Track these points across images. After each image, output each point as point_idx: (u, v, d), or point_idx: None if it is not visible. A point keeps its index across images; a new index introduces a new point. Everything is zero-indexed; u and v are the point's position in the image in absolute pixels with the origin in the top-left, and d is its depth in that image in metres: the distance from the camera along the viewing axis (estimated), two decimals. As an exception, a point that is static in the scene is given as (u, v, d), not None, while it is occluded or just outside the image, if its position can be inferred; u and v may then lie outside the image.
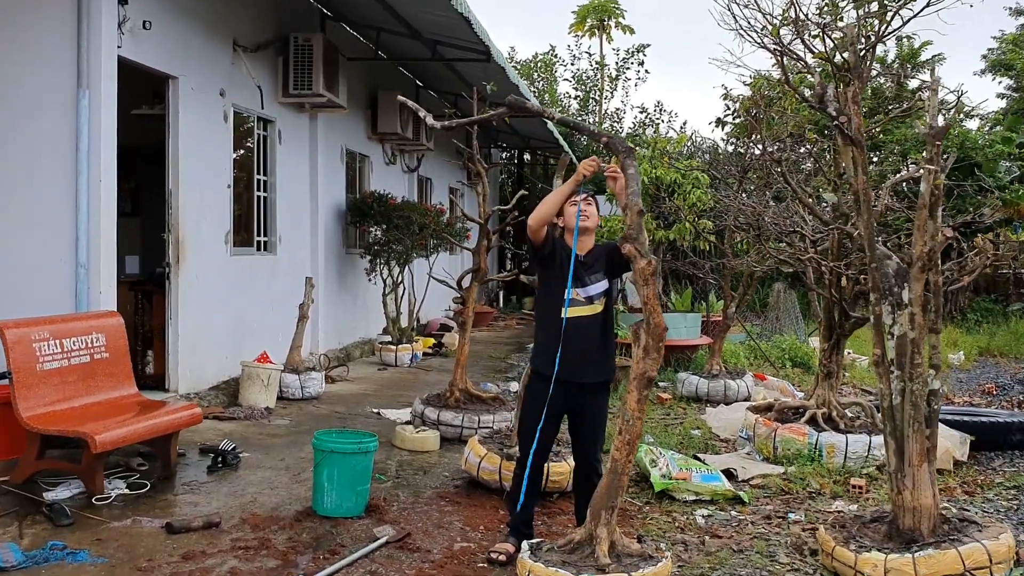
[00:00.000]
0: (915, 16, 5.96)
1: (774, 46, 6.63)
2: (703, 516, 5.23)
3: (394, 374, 10.52)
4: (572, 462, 5.52)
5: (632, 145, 3.96)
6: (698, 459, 6.44)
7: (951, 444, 6.50)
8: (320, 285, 10.13)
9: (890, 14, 6.00)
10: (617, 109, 27.37)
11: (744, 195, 8.55)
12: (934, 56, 19.43)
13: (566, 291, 4.32)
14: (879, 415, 6.93)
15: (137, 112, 8.43)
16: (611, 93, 26.00)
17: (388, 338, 11.57)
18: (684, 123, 35.46)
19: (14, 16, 6.30)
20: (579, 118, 22.82)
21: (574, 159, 21.35)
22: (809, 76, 6.28)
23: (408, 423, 7.14)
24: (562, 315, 4.33)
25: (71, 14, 6.24)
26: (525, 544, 3.95)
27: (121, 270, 8.50)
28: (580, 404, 4.45)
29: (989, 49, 23.62)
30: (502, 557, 4.37)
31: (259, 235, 9.27)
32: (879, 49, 6.16)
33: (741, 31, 6.62)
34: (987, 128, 20.73)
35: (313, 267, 10.37)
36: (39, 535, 4.49)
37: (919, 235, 4.08)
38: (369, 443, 5.06)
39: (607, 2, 25.61)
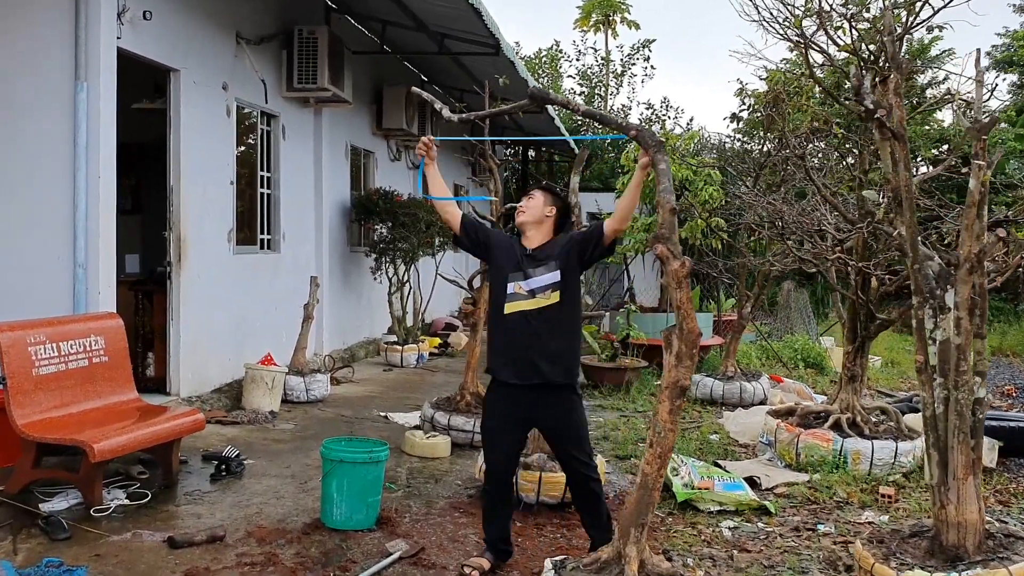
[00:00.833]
0: (945, 6, 5.76)
1: (796, 38, 6.43)
2: (729, 528, 5.00)
3: (400, 375, 10.29)
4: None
5: (663, 139, 3.72)
6: (719, 466, 6.22)
7: (981, 451, 6.27)
8: (324, 284, 9.90)
9: (919, 4, 5.79)
10: (623, 105, 27.13)
11: (760, 192, 8.30)
12: (943, 51, 19.17)
13: (506, 286, 4.12)
14: (905, 421, 6.75)
15: (138, 106, 8.19)
16: (617, 89, 25.73)
17: (394, 338, 11.34)
18: (691, 119, 35.21)
19: (9, 6, 6.07)
20: (582, 126, 22.55)
21: (575, 147, 21.14)
22: (845, 67, 6.04)
23: (417, 428, 6.92)
24: (503, 311, 4.12)
25: (69, 3, 6.01)
26: (548, 562, 3.71)
27: (121, 269, 8.27)
28: (540, 411, 4.14)
29: (993, 46, 23.41)
30: (475, 573, 4.14)
31: (262, 233, 9.04)
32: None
33: (764, 22, 6.42)
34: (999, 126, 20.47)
35: (317, 265, 10.14)
36: (34, 550, 4.26)
37: (967, 235, 3.84)
38: (380, 452, 4.83)
39: (612, -3, 25.38)
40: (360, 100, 11.10)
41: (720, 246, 11.02)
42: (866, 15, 6.22)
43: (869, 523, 5.15)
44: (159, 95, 7.72)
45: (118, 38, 6.28)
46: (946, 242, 6.26)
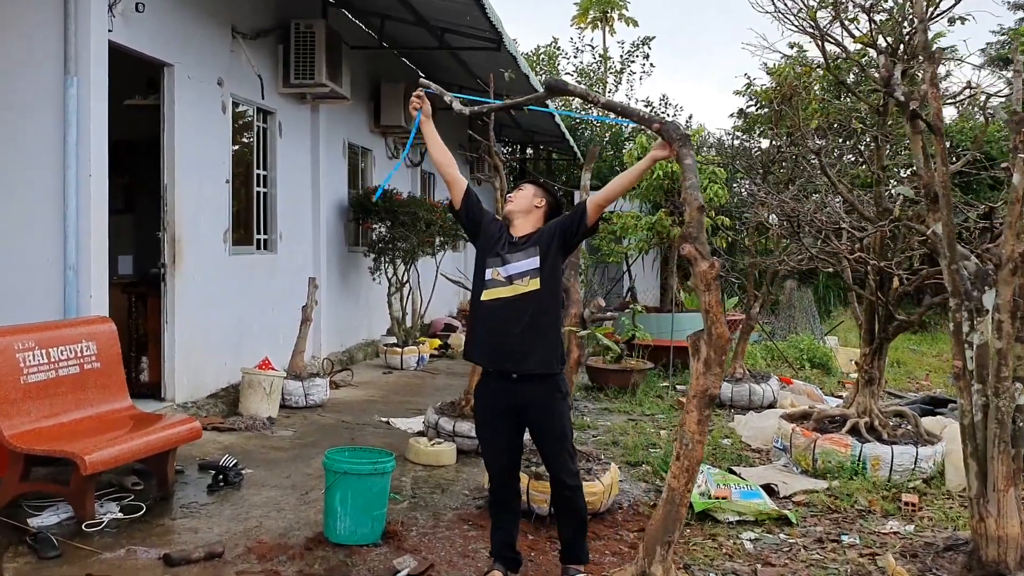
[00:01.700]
0: (965, -4, 5.56)
1: (811, 29, 6.22)
2: (750, 540, 4.79)
3: (400, 378, 10.06)
4: (603, 480, 5.13)
5: (687, 133, 3.50)
6: (734, 473, 6.01)
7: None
8: (322, 285, 9.66)
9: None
10: (622, 103, 26.86)
11: (772, 190, 8.09)
12: (945, 48, 18.98)
13: (485, 271, 3.95)
14: (925, 425, 6.54)
15: (130, 102, 7.93)
16: (615, 86, 25.51)
17: (393, 340, 11.11)
18: (690, 116, 34.98)
19: (-5, -3, 5.83)
20: (582, 112, 22.31)
21: (578, 152, 20.94)
22: (860, 59, 5.83)
23: (420, 434, 6.69)
24: (481, 297, 3.95)
25: (57, -6, 5.77)
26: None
27: (114, 271, 8.03)
28: (520, 402, 3.94)
29: (988, 43, 23.37)
30: None
31: (259, 233, 8.80)
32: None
33: (779, 14, 6.22)
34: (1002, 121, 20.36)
35: (315, 266, 9.91)
36: (22, 570, 4.03)
37: (1009, 233, 3.64)
38: (386, 463, 4.61)
39: (610, -7, 25.16)
40: (358, 96, 10.86)
41: (725, 245, 10.83)
42: (884, 5, 6.02)
43: (895, 533, 4.94)
44: (153, 91, 7.47)
45: (109, 31, 6.03)
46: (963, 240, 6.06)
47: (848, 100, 10.61)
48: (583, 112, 22.03)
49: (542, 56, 26.43)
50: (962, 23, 5.56)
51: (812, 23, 6.22)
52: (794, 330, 13.80)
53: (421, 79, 4.14)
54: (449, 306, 15.68)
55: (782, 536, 4.89)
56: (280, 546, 4.45)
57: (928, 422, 6.85)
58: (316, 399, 8.04)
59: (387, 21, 10.30)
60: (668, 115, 25.16)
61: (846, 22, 6.23)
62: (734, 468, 6.19)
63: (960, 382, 3.87)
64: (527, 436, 4.16)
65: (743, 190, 13.10)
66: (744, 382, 8.79)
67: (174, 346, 7.04)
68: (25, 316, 5.44)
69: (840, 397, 9.38)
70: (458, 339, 12.38)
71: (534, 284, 3.89)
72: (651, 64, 38.32)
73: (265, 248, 8.92)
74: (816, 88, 8.49)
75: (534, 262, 3.92)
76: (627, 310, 10.55)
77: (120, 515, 4.77)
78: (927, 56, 4.11)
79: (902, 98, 4.05)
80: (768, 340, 12.14)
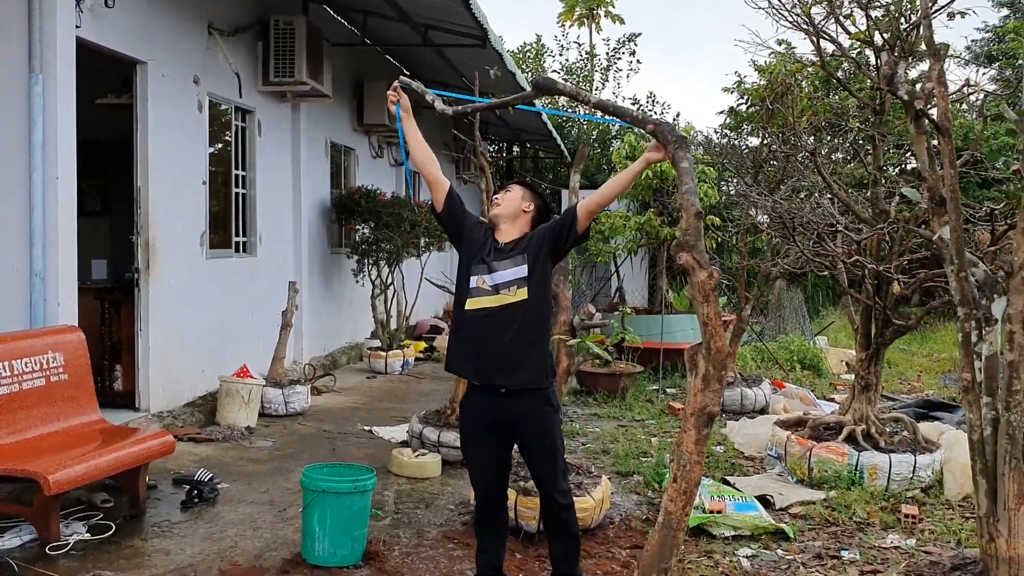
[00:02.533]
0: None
1: (806, 26, 6.05)
2: (747, 557, 4.60)
3: (385, 383, 9.83)
4: (594, 495, 4.93)
5: (684, 135, 3.30)
6: (728, 483, 5.83)
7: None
8: (304, 288, 9.43)
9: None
10: (614, 102, 26.68)
11: (763, 190, 7.91)
12: (940, 45, 18.89)
13: (470, 279, 3.75)
14: (922, 432, 6.38)
15: (102, 101, 7.66)
16: (602, 84, 25.30)
17: (377, 343, 10.88)
18: (678, 114, 34.82)
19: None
20: (567, 110, 22.08)
21: (565, 151, 20.74)
22: (857, 56, 5.66)
23: (405, 444, 6.48)
24: (464, 307, 3.74)
25: (21, -11, 5.51)
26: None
27: (87, 276, 7.79)
28: (508, 417, 3.72)
29: (973, 40, 23.34)
30: None
31: (237, 235, 8.55)
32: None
33: (773, 9, 6.04)
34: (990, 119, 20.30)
35: (296, 268, 9.66)
36: (-22, 599, 3.81)
37: (1022, 239, 3.46)
38: (366, 480, 4.38)
39: (596, -10, 24.95)
40: (340, 95, 10.62)
41: (715, 245, 10.65)
42: (880, 1, 5.83)
43: (896, 548, 4.77)
44: (126, 90, 7.21)
45: (77, 27, 5.78)
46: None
47: (838, 97, 10.46)
48: (572, 111, 21.82)
49: (528, 53, 26.20)
50: (962, 17, 5.38)
51: (807, 19, 6.06)
52: (784, 330, 13.64)
53: (401, 76, 3.92)
54: (435, 307, 15.45)
55: (780, 552, 4.70)
56: (255, 568, 4.23)
57: (925, 428, 6.69)
58: (297, 407, 7.80)
59: (370, 17, 10.05)
60: (655, 113, 25.00)
61: (841, 18, 6.08)
62: (728, 478, 6.01)
63: (969, 395, 3.68)
64: (515, 450, 3.97)
65: (731, 188, 12.92)
66: (736, 386, 8.61)
67: (149, 354, 6.80)
68: (-12, 326, 5.20)
69: (833, 400, 9.23)
70: (444, 341, 12.15)
71: (522, 294, 3.69)
72: (638, 61, 38.07)
73: (244, 251, 8.68)
74: (805, 85, 8.30)
75: (522, 271, 3.71)
76: (616, 312, 10.36)
77: (87, 536, 4.54)
78: (932, 53, 3.92)
79: (906, 97, 3.87)
80: (758, 341, 11.98)
